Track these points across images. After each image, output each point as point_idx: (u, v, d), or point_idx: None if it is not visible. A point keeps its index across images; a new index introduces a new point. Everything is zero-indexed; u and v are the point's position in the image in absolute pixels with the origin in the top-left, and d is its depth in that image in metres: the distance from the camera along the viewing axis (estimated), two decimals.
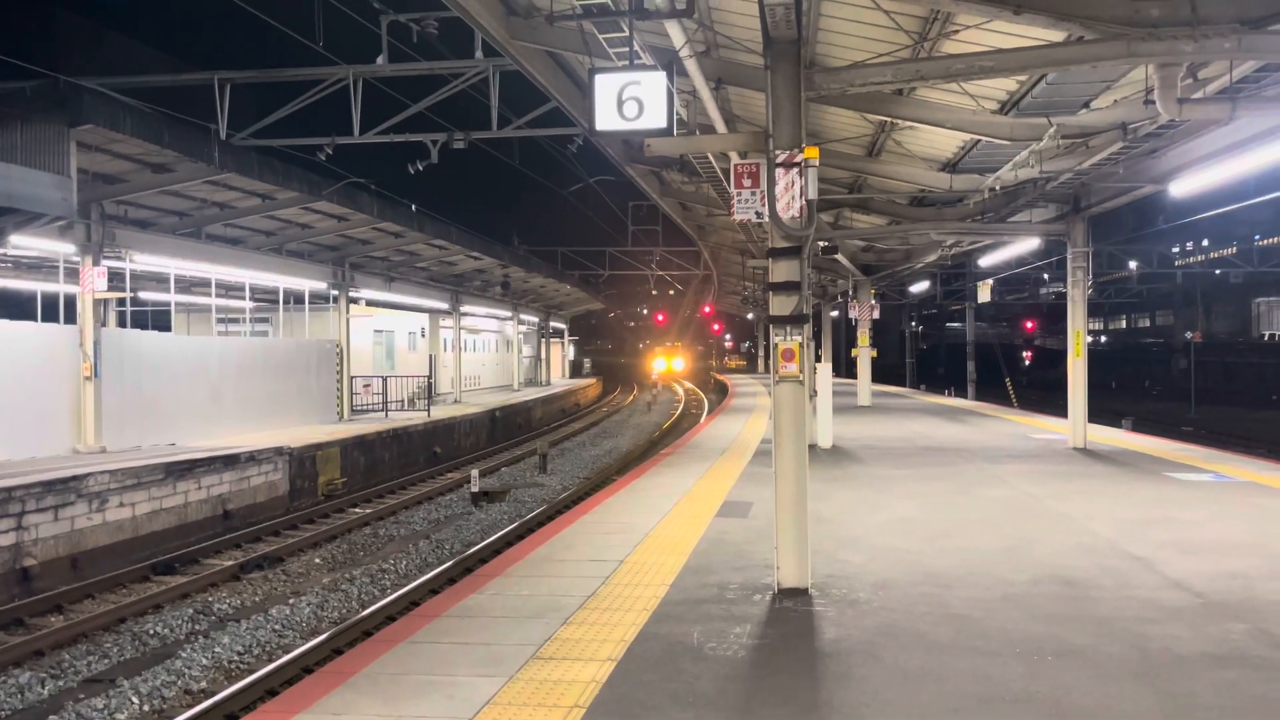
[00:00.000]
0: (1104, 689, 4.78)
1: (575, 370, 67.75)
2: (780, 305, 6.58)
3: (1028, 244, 17.32)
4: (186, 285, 21.73)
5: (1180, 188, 11.73)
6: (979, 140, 11.24)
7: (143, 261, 17.19)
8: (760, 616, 6.07)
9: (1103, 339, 71.22)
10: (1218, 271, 49.10)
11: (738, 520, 9.31)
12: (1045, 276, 52.30)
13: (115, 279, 16.79)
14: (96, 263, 15.18)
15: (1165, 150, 11.75)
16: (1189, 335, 47.48)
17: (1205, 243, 55.56)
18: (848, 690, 4.79)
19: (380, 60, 15.14)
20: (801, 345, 6.58)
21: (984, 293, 25.80)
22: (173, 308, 19.86)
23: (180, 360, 17.38)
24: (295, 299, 23.72)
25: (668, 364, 66.72)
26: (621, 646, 5.48)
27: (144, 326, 21.50)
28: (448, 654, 5.42)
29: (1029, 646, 5.45)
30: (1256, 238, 46.37)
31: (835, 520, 9.20)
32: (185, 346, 18.24)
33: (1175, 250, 55.61)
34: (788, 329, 6.58)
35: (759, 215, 6.72)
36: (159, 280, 20.43)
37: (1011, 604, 6.32)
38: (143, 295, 22.01)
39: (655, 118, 6.50)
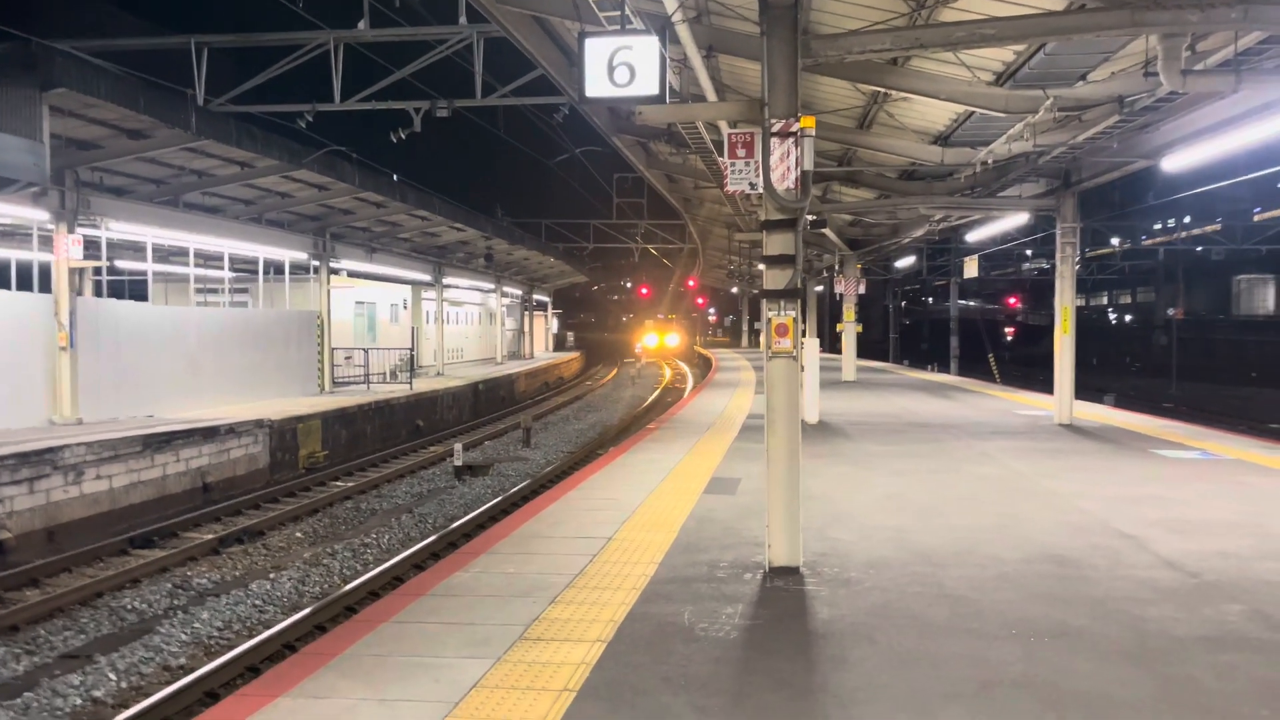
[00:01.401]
0: (1103, 673, 4.70)
1: (559, 344, 67.37)
2: (774, 279, 6.43)
3: (1016, 219, 17.20)
4: (164, 255, 21.37)
5: (1173, 163, 11.62)
6: (972, 112, 11.08)
7: (119, 230, 16.85)
8: (752, 596, 5.97)
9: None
10: (1199, 249, 49.29)
11: (726, 497, 9.21)
12: (1029, 253, 52.40)
13: (91, 247, 16.46)
14: (71, 230, 14.84)
15: (1158, 125, 11.64)
16: (1170, 312, 47.72)
17: (1188, 220, 55.71)
18: (843, 674, 4.69)
19: (362, 25, 14.82)
20: (795, 320, 6.44)
21: (970, 268, 25.76)
22: (150, 277, 19.51)
23: (158, 331, 17.08)
24: (275, 269, 23.39)
25: (660, 339, 60.83)
26: (611, 627, 5.36)
27: (121, 296, 21.15)
28: (433, 634, 5.29)
29: (1025, 628, 5.37)
30: (1256, 210, 46.30)
31: (824, 497, 9.11)
32: (163, 317, 17.94)
33: (1158, 227, 55.74)
34: (781, 303, 6.44)
35: (753, 186, 6.56)
36: (136, 249, 20.05)
37: (1005, 583, 6.24)
38: (119, 264, 21.63)
39: (647, 84, 6.30)
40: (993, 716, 4.21)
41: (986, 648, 5.06)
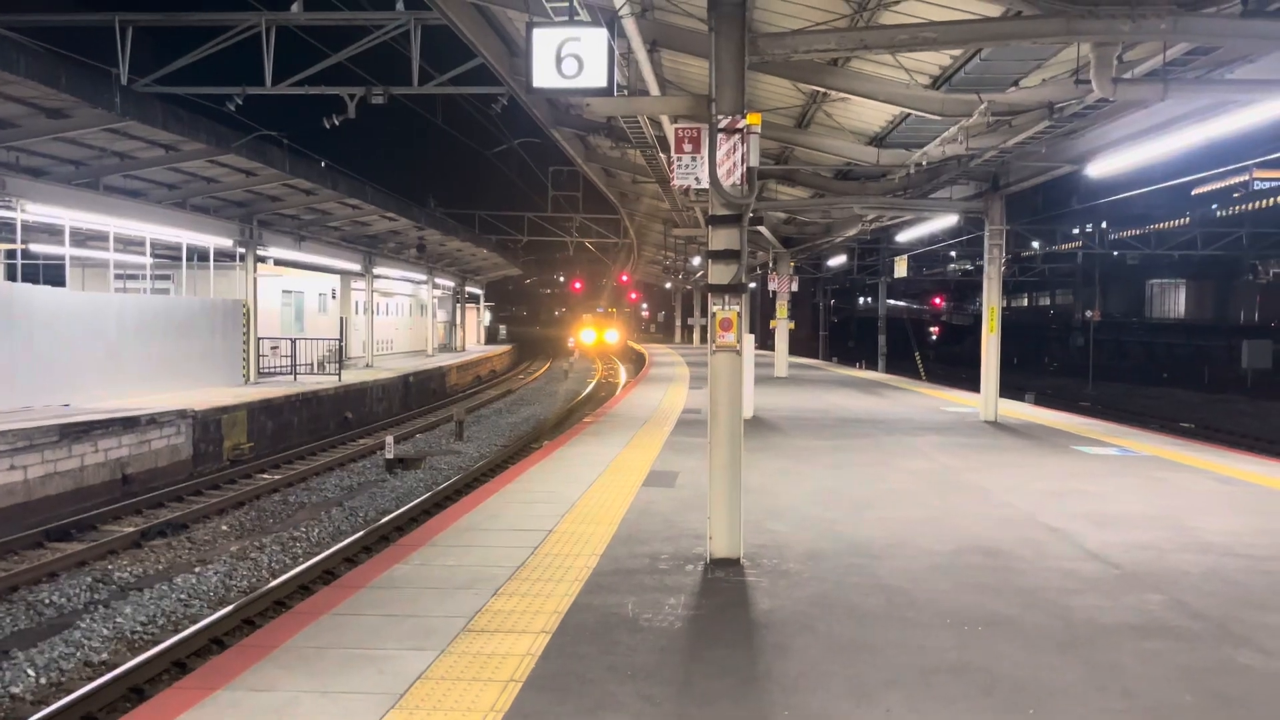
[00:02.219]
0: (1034, 659, 4.85)
1: (491, 337, 66.82)
2: (719, 274, 6.48)
3: (946, 220, 17.60)
4: (82, 239, 20.63)
5: (1097, 168, 12.03)
6: (908, 115, 11.31)
7: (35, 212, 16.21)
8: (694, 587, 6.02)
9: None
10: (1115, 253, 51.06)
11: (665, 490, 9.26)
12: (953, 254, 53.64)
13: (5, 230, 15.82)
14: None
15: (1083, 132, 12.01)
16: (1088, 314, 49.30)
17: (1104, 225, 57.63)
18: (786, 662, 4.77)
19: (295, 8, 14.49)
20: (739, 315, 6.50)
21: (900, 268, 26.30)
22: (68, 262, 18.81)
23: (76, 317, 16.49)
24: (199, 256, 22.75)
25: (598, 335, 57.68)
26: (555, 618, 5.36)
27: (36, 281, 20.35)
28: (375, 626, 5.22)
29: (958, 617, 5.51)
30: (1113, 232, 48.17)
31: (761, 490, 9.21)
32: (81, 303, 17.32)
33: (1075, 231, 57.59)
34: (726, 298, 6.49)
35: (699, 181, 6.61)
36: (53, 233, 19.33)
37: (938, 574, 6.40)
38: (34, 248, 20.81)
39: (595, 76, 6.29)
40: (931, 701, 4.32)
41: (923, 636, 5.18)
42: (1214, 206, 50.77)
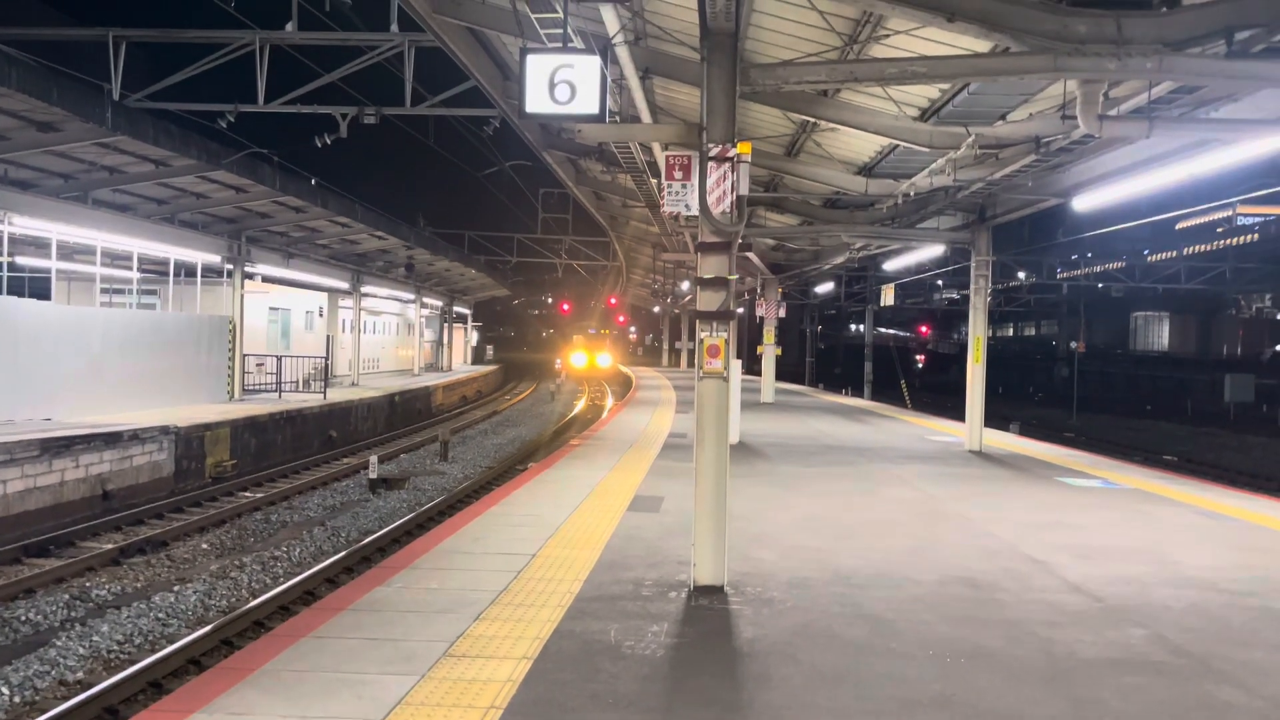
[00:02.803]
0: (1017, 693, 4.85)
1: (478, 357, 66.68)
2: (707, 301, 6.50)
3: (933, 250, 17.73)
4: (69, 252, 20.54)
5: (1082, 202, 12.15)
6: (896, 146, 11.41)
7: (22, 225, 16.15)
8: (677, 614, 5.99)
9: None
10: (1100, 285, 51.50)
11: (649, 515, 9.23)
12: (940, 283, 53.98)
13: None
14: None
15: (1069, 166, 12.14)
16: (1073, 345, 49.60)
17: (1090, 255, 58.15)
18: (769, 692, 4.75)
19: (289, 27, 14.56)
20: (727, 341, 6.52)
21: (887, 296, 26.45)
22: (54, 275, 18.73)
23: (60, 331, 16.39)
24: (186, 271, 22.69)
25: (589, 358, 55.90)
26: (537, 644, 5.33)
27: (20, 294, 20.24)
28: (355, 650, 5.18)
29: (941, 648, 5.50)
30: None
31: (746, 517, 9.19)
32: (66, 316, 17.23)
33: (1062, 274, 58.10)
34: (714, 325, 6.51)
35: (689, 208, 6.64)
36: (39, 245, 19.26)
37: (921, 605, 6.39)
38: (20, 260, 20.74)
39: (588, 103, 6.33)
40: None
41: (906, 667, 5.17)
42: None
